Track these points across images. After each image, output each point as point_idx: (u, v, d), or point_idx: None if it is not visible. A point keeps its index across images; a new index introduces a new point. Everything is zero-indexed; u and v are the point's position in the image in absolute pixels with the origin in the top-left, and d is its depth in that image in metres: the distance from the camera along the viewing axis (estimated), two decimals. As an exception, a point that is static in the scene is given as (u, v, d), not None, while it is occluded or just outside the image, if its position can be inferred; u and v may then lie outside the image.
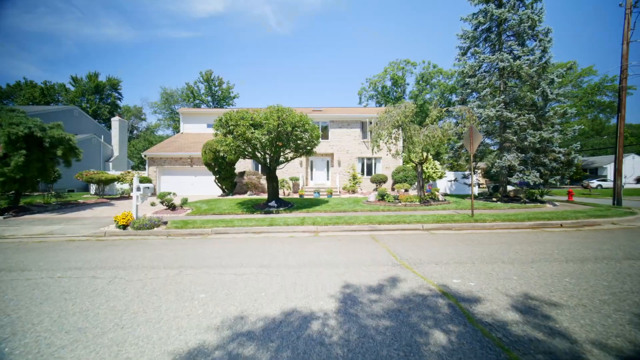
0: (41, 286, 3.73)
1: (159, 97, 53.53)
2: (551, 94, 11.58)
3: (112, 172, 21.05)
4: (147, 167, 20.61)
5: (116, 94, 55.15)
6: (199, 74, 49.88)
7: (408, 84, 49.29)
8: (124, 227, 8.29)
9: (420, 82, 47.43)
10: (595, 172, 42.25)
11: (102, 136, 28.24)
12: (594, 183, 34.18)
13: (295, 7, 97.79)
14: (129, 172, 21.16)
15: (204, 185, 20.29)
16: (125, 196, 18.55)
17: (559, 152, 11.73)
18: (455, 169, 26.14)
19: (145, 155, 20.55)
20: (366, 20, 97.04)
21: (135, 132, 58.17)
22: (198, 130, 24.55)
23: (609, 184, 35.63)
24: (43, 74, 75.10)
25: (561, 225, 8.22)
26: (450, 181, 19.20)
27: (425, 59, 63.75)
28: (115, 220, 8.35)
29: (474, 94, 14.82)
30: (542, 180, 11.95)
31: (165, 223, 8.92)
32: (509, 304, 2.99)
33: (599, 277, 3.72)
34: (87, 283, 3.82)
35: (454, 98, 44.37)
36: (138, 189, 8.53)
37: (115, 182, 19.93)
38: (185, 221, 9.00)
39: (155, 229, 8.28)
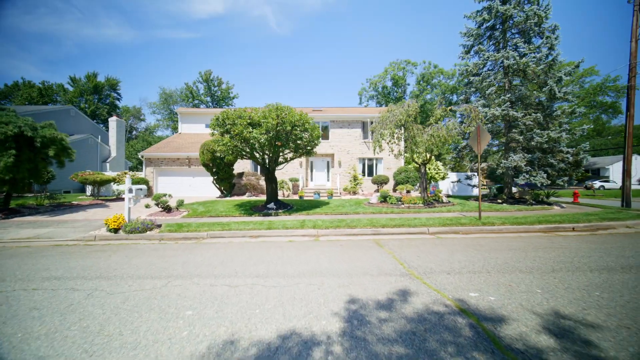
0: (10, 300, 3.34)
1: (157, 98, 53.18)
2: (559, 92, 11.22)
3: (109, 173, 20.67)
4: (144, 167, 20.23)
5: (115, 94, 54.79)
6: (198, 74, 49.60)
7: (409, 84, 49.01)
8: (115, 230, 7.90)
9: (421, 82, 47.12)
10: (597, 173, 41.88)
11: (99, 136, 27.87)
12: (597, 184, 33.84)
13: (295, 8, 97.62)
14: (125, 173, 20.77)
15: (202, 186, 19.91)
16: (121, 197, 18.15)
17: (567, 153, 11.37)
18: (456, 170, 25.81)
19: (142, 156, 20.16)
20: (366, 20, 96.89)
21: (134, 132, 57.79)
22: (196, 130, 24.18)
23: (611, 185, 35.28)
24: (43, 75, 74.76)
25: (573, 228, 7.84)
26: (453, 182, 18.82)
27: (426, 59, 63.49)
28: (105, 224, 7.96)
29: (478, 93, 14.46)
30: (549, 182, 11.58)
31: (159, 226, 8.54)
32: (539, 324, 2.61)
33: (633, 291, 3.34)
34: (63, 297, 3.43)
35: (455, 98, 44.06)
36: (130, 190, 8.14)
37: (112, 183, 19.55)
38: (180, 224, 8.62)
39: (147, 232, 7.90)
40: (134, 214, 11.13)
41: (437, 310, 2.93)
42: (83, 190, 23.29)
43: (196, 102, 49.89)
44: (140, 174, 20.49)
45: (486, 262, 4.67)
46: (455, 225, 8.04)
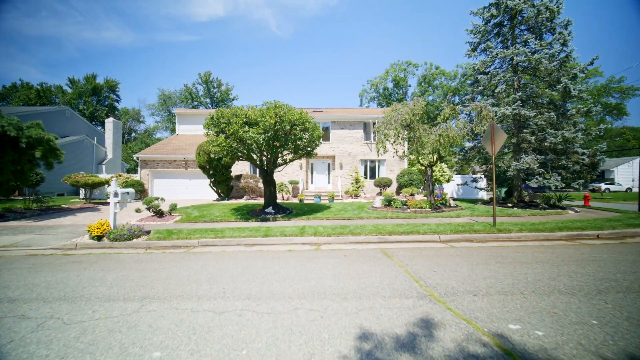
0: (-59, 334, 2.70)
1: (156, 99, 52.72)
2: (574, 90, 10.61)
3: (103, 175, 20.07)
4: (139, 169, 19.63)
5: (114, 96, 54.42)
6: (197, 75, 49.21)
7: (410, 86, 48.56)
8: (99, 238, 7.27)
9: (423, 83, 46.66)
10: (601, 176, 41.26)
11: (95, 138, 27.29)
12: (602, 187, 33.32)
13: (295, 11, 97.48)
14: (120, 175, 20.17)
15: (199, 189, 19.29)
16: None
17: (583, 154, 10.74)
18: (458, 172, 25.15)
19: (137, 158, 19.57)
20: (367, 21, 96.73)
21: (133, 134, 57.28)
22: (194, 131, 23.60)
23: (616, 188, 34.75)
24: (43, 77, 74.52)
25: (598, 236, 7.20)
26: (459, 185, 18.18)
27: (427, 60, 63.06)
28: (88, 231, 7.33)
29: (482, 93, 13.87)
30: (563, 185, 10.94)
31: (148, 232, 7.91)
32: (618, 379, 1.96)
33: None
34: (6, 329, 2.79)
35: (457, 100, 43.51)
36: (115, 194, 7.51)
37: (106, 186, 18.93)
38: (170, 231, 7.98)
39: (134, 240, 7.27)
40: (124, 218, 10.51)
41: (474, 353, 2.29)
42: (77, 193, 22.66)
43: (195, 103, 49.43)
44: (136, 176, 19.89)
45: (515, 280, 4.02)
46: (468, 232, 7.40)
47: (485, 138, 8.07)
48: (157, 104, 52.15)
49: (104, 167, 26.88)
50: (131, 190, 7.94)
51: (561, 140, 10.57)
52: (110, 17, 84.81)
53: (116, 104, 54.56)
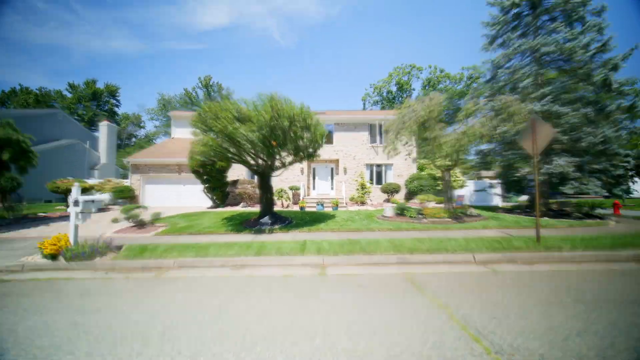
0: None
1: (156, 104, 52.04)
2: (615, 83, 9.27)
3: (92, 181, 18.86)
4: (130, 174, 18.38)
5: (114, 101, 53.82)
6: (197, 80, 48.52)
7: (414, 89, 47.43)
8: (53, 257, 5.93)
9: (427, 87, 45.50)
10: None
11: (88, 142, 26.18)
12: (620, 192, 31.62)
13: (298, 20, 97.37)
14: (109, 181, 18.95)
15: (192, 195, 17.95)
16: (101, 208, 16.20)
17: (627, 155, 9.32)
18: (470, 178, 23.68)
19: (128, 162, 18.35)
20: (369, 27, 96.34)
21: (133, 139, 56.43)
22: (190, 135, 22.41)
23: (633, 195, 33.09)
24: (51, 85, 74.35)
25: (673, 256, 5.74)
26: (474, 191, 16.74)
27: (432, 63, 62.02)
28: (40, 248, 5.99)
29: (506, 87, 12.56)
30: (604, 191, 9.50)
31: (119, 248, 6.57)
32: None
33: None
34: None
35: (462, 104, 42.27)
36: (76, 203, 6.19)
37: (93, 192, 17.69)
38: (144, 247, 6.60)
39: (97, 259, 5.94)
40: (101, 229, 9.17)
41: None
42: (65, 200, 21.42)
43: (195, 108, 48.64)
44: (127, 182, 18.65)
45: (629, 337, 2.60)
46: (507, 250, 5.98)
47: (524, 136, 6.71)
48: (156, 108, 51.43)
49: (96, 172, 25.72)
50: (97, 197, 6.63)
51: (601, 140, 9.18)
52: (117, 27, 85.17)
53: (116, 109, 53.93)
